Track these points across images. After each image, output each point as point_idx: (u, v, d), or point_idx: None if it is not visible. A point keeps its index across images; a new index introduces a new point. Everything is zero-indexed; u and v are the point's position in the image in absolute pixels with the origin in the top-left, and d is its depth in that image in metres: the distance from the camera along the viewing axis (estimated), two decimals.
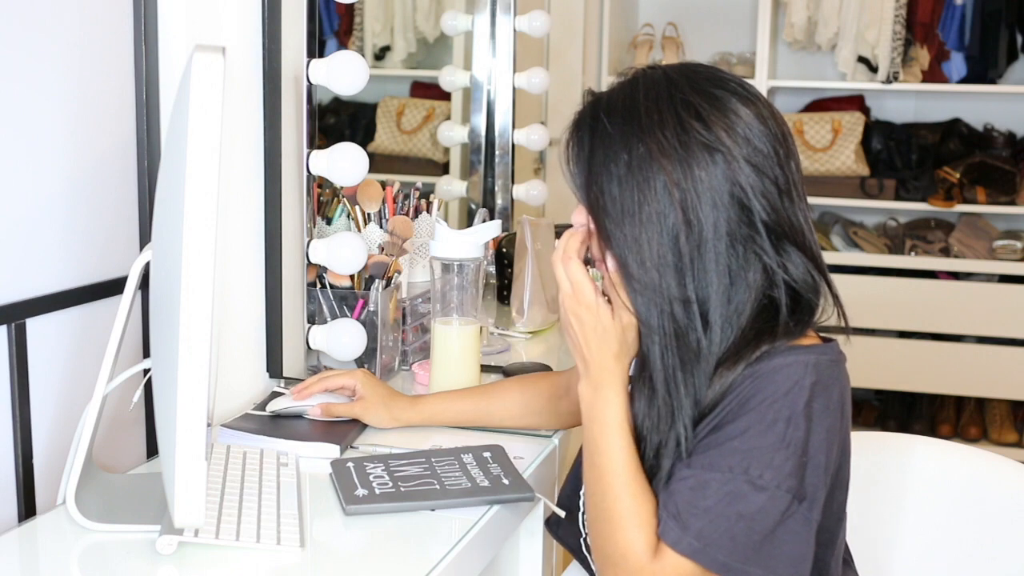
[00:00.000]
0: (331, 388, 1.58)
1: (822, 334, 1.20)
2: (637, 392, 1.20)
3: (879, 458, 1.53)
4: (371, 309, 1.75)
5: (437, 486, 1.33)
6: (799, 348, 1.14)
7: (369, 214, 1.89)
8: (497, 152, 2.50)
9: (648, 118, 1.14)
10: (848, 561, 1.30)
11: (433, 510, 1.30)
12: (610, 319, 1.18)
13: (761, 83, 3.74)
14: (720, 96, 1.14)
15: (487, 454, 1.43)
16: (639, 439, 1.18)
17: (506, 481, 1.36)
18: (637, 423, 1.19)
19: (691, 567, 1.09)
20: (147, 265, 1.24)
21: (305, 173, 1.69)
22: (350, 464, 1.38)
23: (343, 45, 3.51)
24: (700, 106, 1.13)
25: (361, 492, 1.30)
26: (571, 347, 1.22)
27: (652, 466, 1.16)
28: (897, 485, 1.52)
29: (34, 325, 1.33)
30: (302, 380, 1.74)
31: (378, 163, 3.20)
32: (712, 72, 1.18)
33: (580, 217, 1.21)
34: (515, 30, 2.46)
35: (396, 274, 1.81)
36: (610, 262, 1.17)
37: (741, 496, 1.08)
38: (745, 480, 1.08)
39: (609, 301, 1.20)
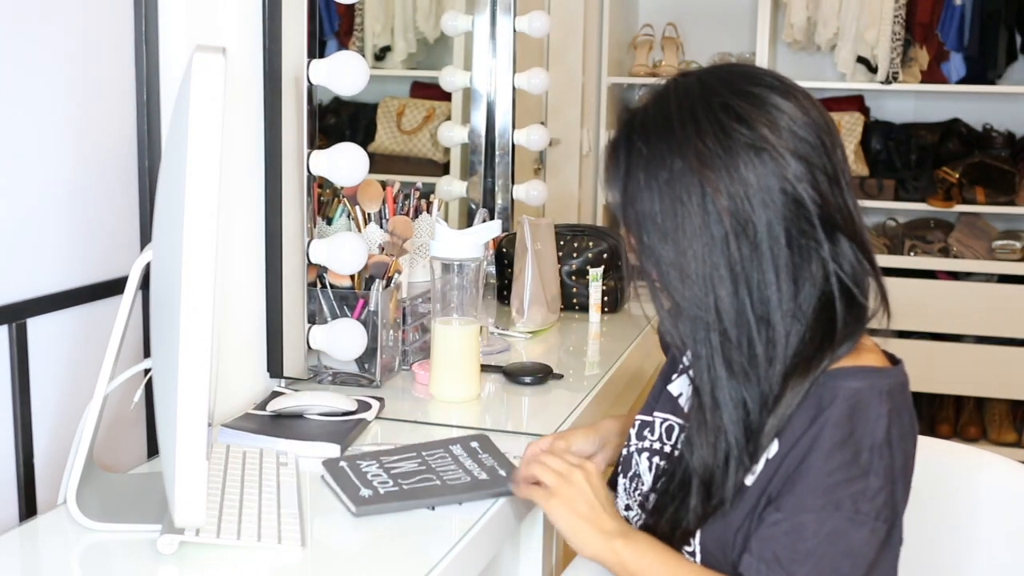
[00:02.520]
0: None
1: (888, 352, 1.20)
2: (693, 411, 1.20)
3: (941, 471, 1.44)
4: (371, 309, 1.75)
5: (438, 482, 1.34)
6: (870, 371, 1.13)
7: (369, 214, 1.89)
8: (497, 152, 2.50)
9: (684, 130, 1.12)
10: None
11: (433, 508, 1.30)
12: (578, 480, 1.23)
13: None
14: (758, 93, 1.13)
15: (475, 444, 1.44)
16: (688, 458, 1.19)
17: (503, 472, 1.37)
18: (690, 436, 1.19)
19: None
20: (148, 265, 1.24)
21: (305, 173, 1.69)
22: (343, 464, 1.38)
23: (343, 45, 3.51)
24: (739, 107, 1.12)
25: (366, 492, 1.30)
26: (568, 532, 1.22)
27: (718, 477, 1.16)
28: (963, 501, 1.44)
29: (35, 325, 1.33)
30: (302, 380, 1.75)
31: (378, 163, 3.20)
32: (746, 70, 1.17)
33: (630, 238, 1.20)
34: (515, 30, 2.46)
35: (396, 274, 1.81)
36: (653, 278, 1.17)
37: (842, 534, 1.07)
38: (843, 517, 1.07)
39: None
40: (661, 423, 1.31)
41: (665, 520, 1.21)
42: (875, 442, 1.08)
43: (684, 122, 1.13)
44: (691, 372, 1.19)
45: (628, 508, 1.32)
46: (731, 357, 1.13)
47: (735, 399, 1.14)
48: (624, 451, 1.34)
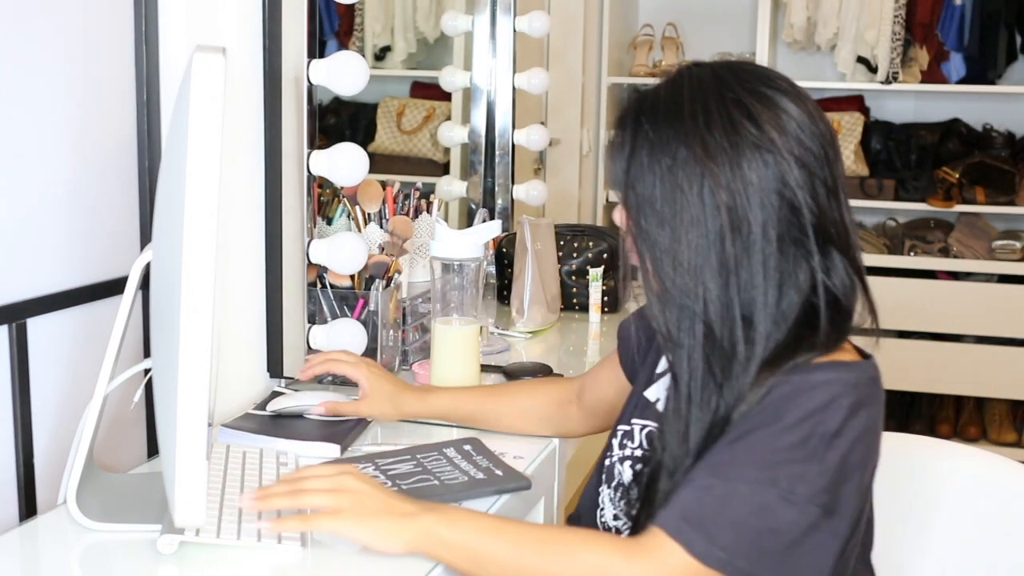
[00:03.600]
0: (335, 372, 1.57)
1: (859, 346, 1.19)
2: (670, 399, 1.19)
3: (903, 463, 1.47)
4: (371, 309, 1.75)
5: (436, 482, 1.34)
6: (839, 365, 1.13)
7: (369, 214, 1.89)
8: (497, 152, 2.50)
9: (693, 120, 1.12)
10: (871, 570, 1.28)
11: None
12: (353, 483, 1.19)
13: None
14: (771, 95, 1.13)
15: (468, 447, 1.45)
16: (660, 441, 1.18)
17: (499, 472, 1.37)
18: (663, 427, 1.19)
19: (703, 571, 1.07)
20: (148, 265, 1.24)
21: (305, 173, 1.69)
22: (353, 466, 1.38)
23: (343, 45, 3.51)
24: (751, 105, 1.12)
25: None
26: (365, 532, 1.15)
27: (683, 470, 1.15)
28: (923, 491, 1.47)
29: (35, 325, 1.33)
30: (302, 381, 1.75)
31: (378, 163, 3.20)
32: (761, 70, 1.17)
33: (620, 216, 1.20)
34: (515, 30, 2.46)
35: (396, 274, 1.81)
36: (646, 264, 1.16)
37: (771, 510, 1.06)
38: (776, 494, 1.06)
39: None
40: (641, 429, 1.31)
41: (641, 518, 1.20)
42: (827, 431, 1.08)
43: (695, 111, 1.12)
44: (669, 366, 1.19)
45: (616, 518, 1.31)
46: (711, 351, 1.13)
47: (706, 398, 1.14)
48: (607, 461, 1.34)
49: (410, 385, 1.61)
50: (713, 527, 1.07)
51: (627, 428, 1.33)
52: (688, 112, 1.12)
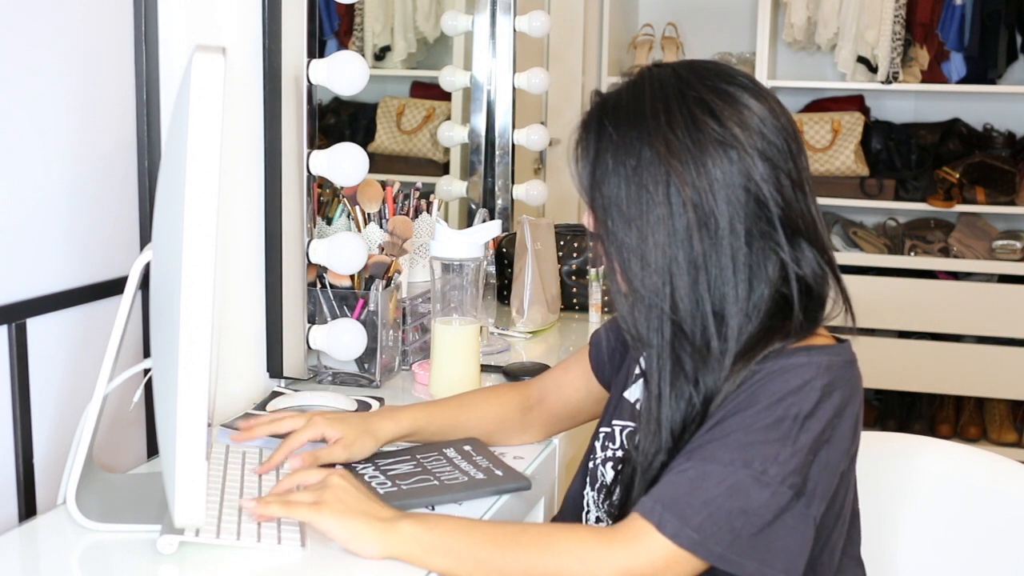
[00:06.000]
0: (278, 433, 1.38)
1: (835, 334, 1.20)
2: (643, 400, 1.20)
3: (883, 459, 1.50)
4: (371, 309, 1.75)
5: (436, 482, 1.34)
6: (813, 349, 1.13)
7: (369, 214, 1.89)
8: (497, 152, 2.50)
9: (655, 120, 1.13)
10: (861, 565, 1.29)
11: (432, 508, 1.30)
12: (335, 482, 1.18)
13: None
14: (732, 92, 1.14)
15: (468, 447, 1.44)
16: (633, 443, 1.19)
17: (499, 472, 1.37)
18: (637, 428, 1.19)
19: (678, 553, 1.07)
20: (147, 265, 1.24)
21: (305, 173, 1.69)
22: (339, 467, 1.38)
23: (343, 45, 3.51)
24: (713, 102, 1.12)
25: None
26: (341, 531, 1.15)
27: (655, 468, 1.16)
28: (901, 486, 1.50)
29: (35, 325, 1.33)
30: (302, 380, 1.75)
31: (378, 163, 3.19)
32: (721, 68, 1.17)
33: (588, 219, 1.21)
34: (515, 30, 2.46)
35: (396, 274, 1.81)
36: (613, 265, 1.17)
37: (743, 490, 1.07)
38: (749, 475, 1.07)
39: None
40: (621, 431, 1.31)
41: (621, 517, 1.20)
42: (801, 412, 1.08)
43: (656, 111, 1.13)
44: (643, 363, 1.19)
45: (599, 520, 1.31)
46: (681, 349, 1.13)
47: (677, 395, 1.14)
48: (590, 464, 1.34)
49: (373, 412, 1.51)
50: (686, 508, 1.07)
51: (608, 430, 1.33)
52: (650, 112, 1.13)
